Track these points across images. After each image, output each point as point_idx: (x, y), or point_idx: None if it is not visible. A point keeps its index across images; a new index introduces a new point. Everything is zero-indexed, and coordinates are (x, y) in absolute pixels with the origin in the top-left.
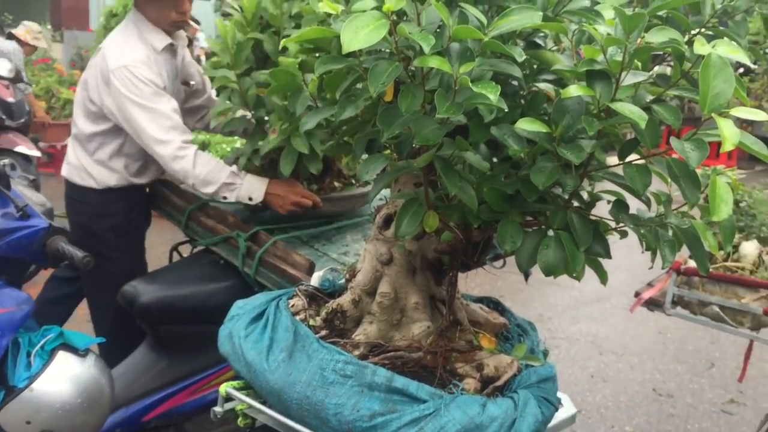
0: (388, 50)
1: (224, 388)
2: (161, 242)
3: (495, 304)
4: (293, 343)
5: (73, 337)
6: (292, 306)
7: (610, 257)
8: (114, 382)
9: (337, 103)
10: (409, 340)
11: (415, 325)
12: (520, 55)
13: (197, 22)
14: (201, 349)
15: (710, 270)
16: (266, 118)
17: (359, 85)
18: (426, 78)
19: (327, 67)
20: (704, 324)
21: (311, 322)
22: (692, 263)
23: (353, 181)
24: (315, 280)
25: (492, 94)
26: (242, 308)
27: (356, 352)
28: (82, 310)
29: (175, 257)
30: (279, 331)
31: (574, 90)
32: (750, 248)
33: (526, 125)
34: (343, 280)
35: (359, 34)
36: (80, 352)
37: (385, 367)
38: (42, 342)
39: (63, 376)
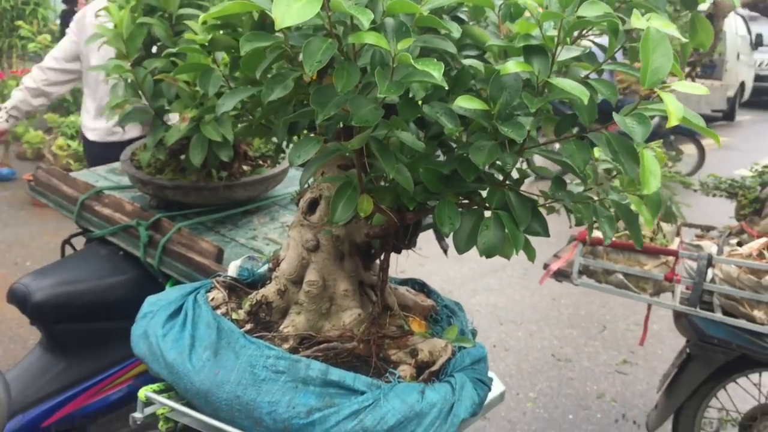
0: (317, 25)
1: (143, 392)
2: (43, 233)
3: (420, 286)
4: (217, 339)
5: None
6: (212, 300)
7: (548, 235)
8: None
9: (252, 83)
10: (341, 329)
11: (346, 313)
12: (457, 31)
13: None
14: (102, 347)
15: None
16: (167, 107)
17: (284, 64)
18: (358, 55)
19: (253, 45)
20: (608, 292)
21: (234, 316)
22: (597, 233)
23: (260, 163)
24: (232, 269)
25: (436, 72)
26: (155, 304)
27: (286, 346)
28: None
29: (68, 251)
30: (200, 328)
31: (513, 66)
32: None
33: (465, 103)
34: (263, 269)
35: (291, 9)
36: None
37: (318, 360)
38: None
39: None
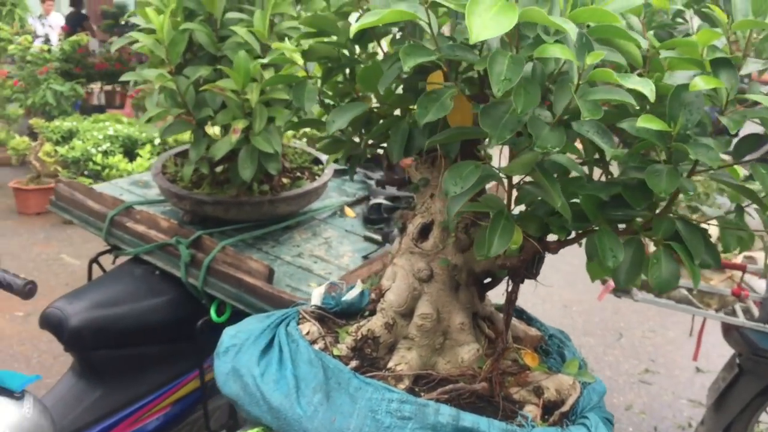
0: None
1: None
2: (33, 243)
3: (519, 313)
4: (325, 380)
5: (4, 377)
6: (307, 333)
7: (720, 266)
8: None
9: (342, 96)
10: (458, 366)
11: (462, 348)
12: (643, 42)
13: None
14: (139, 373)
15: None
16: (211, 117)
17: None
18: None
19: (417, 60)
20: (669, 307)
21: (336, 352)
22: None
23: (299, 175)
24: (316, 298)
25: (648, 90)
26: (236, 337)
27: (401, 386)
28: None
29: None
30: (301, 367)
31: (702, 82)
32: None
33: (648, 123)
34: (348, 297)
35: (485, 20)
36: (15, 395)
37: (442, 402)
38: None
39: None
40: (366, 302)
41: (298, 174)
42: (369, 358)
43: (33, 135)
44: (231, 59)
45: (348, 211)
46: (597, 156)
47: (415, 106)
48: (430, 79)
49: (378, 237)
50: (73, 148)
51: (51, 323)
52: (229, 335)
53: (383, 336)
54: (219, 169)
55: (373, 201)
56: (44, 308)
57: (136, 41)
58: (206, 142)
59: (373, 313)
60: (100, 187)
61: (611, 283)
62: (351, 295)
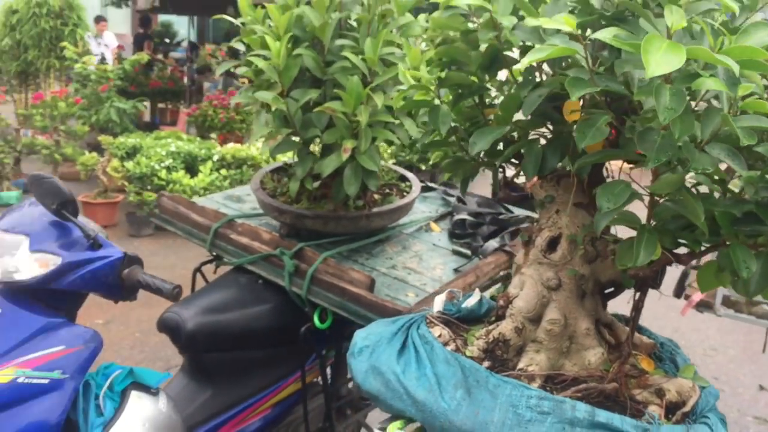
0: None
1: (393, 429)
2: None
3: (627, 321)
4: (463, 378)
5: (143, 374)
6: (439, 336)
7: None
8: None
9: (471, 120)
10: (585, 368)
11: (589, 352)
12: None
13: (103, 19)
14: (244, 376)
15: None
16: (318, 137)
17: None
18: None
19: (582, 91)
20: (752, 323)
21: (468, 353)
22: None
23: (388, 191)
24: (438, 304)
25: None
26: (369, 339)
27: (534, 385)
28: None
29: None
30: (439, 365)
31: None
32: None
33: None
34: (467, 304)
35: (658, 57)
36: (152, 391)
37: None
38: (108, 381)
39: (139, 420)
40: (484, 309)
41: (387, 190)
42: (499, 359)
43: (99, 150)
44: (340, 82)
45: (433, 226)
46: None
47: (571, 130)
48: (569, 106)
49: (466, 251)
50: (139, 164)
51: (168, 327)
52: (360, 337)
53: (513, 339)
54: (316, 184)
55: (457, 217)
56: (162, 313)
57: (240, 65)
58: (311, 159)
59: (499, 318)
60: (198, 201)
61: (694, 299)
62: (470, 303)
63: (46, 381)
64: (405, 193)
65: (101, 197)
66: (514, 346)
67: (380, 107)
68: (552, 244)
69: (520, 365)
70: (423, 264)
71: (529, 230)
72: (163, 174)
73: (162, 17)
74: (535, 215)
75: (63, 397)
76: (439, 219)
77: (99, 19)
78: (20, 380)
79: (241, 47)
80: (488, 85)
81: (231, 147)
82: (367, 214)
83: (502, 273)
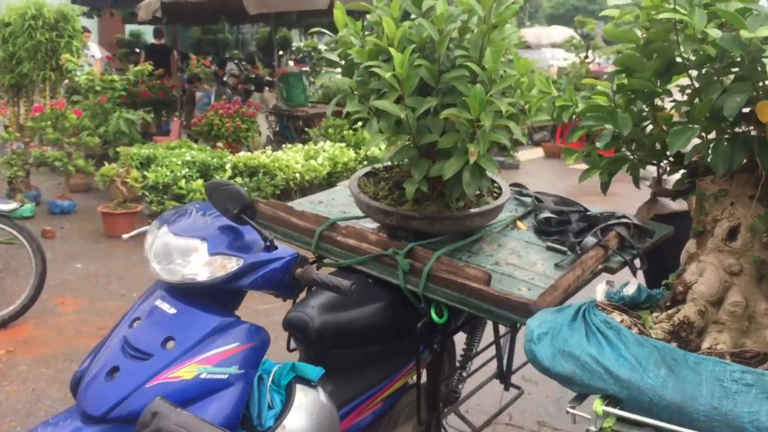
0: None
1: (600, 407)
2: (133, 264)
3: None
4: (661, 357)
5: (304, 369)
6: (622, 321)
7: None
8: None
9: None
10: (765, 345)
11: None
12: None
13: (87, 30)
14: (361, 371)
15: None
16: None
17: None
18: None
19: None
20: None
21: (654, 335)
22: None
23: (478, 192)
24: (600, 293)
25: None
26: (543, 327)
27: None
28: None
29: None
30: (632, 347)
31: None
32: None
33: None
34: (626, 292)
35: None
36: (312, 384)
37: None
38: (270, 376)
39: (306, 412)
40: (644, 297)
41: (478, 191)
42: (684, 340)
43: (102, 161)
44: (459, 90)
45: (520, 224)
46: None
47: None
48: (763, 107)
49: (561, 247)
50: (158, 174)
51: (296, 325)
52: (535, 326)
53: (696, 321)
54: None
55: (542, 215)
56: (286, 313)
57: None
58: (427, 163)
59: (675, 303)
60: (294, 204)
61: None
62: (629, 291)
63: (225, 376)
64: (495, 194)
65: (121, 207)
66: (697, 327)
67: (506, 113)
68: (731, 234)
69: (705, 345)
70: (523, 260)
71: (702, 222)
72: (182, 183)
73: (131, 27)
74: (618, 212)
75: (241, 390)
76: (522, 217)
77: (83, 30)
78: (203, 376)
79: (325, 56)
80: (659, 90)
81: (243, 155)
82: (470, 214)
83: (600, 266)
